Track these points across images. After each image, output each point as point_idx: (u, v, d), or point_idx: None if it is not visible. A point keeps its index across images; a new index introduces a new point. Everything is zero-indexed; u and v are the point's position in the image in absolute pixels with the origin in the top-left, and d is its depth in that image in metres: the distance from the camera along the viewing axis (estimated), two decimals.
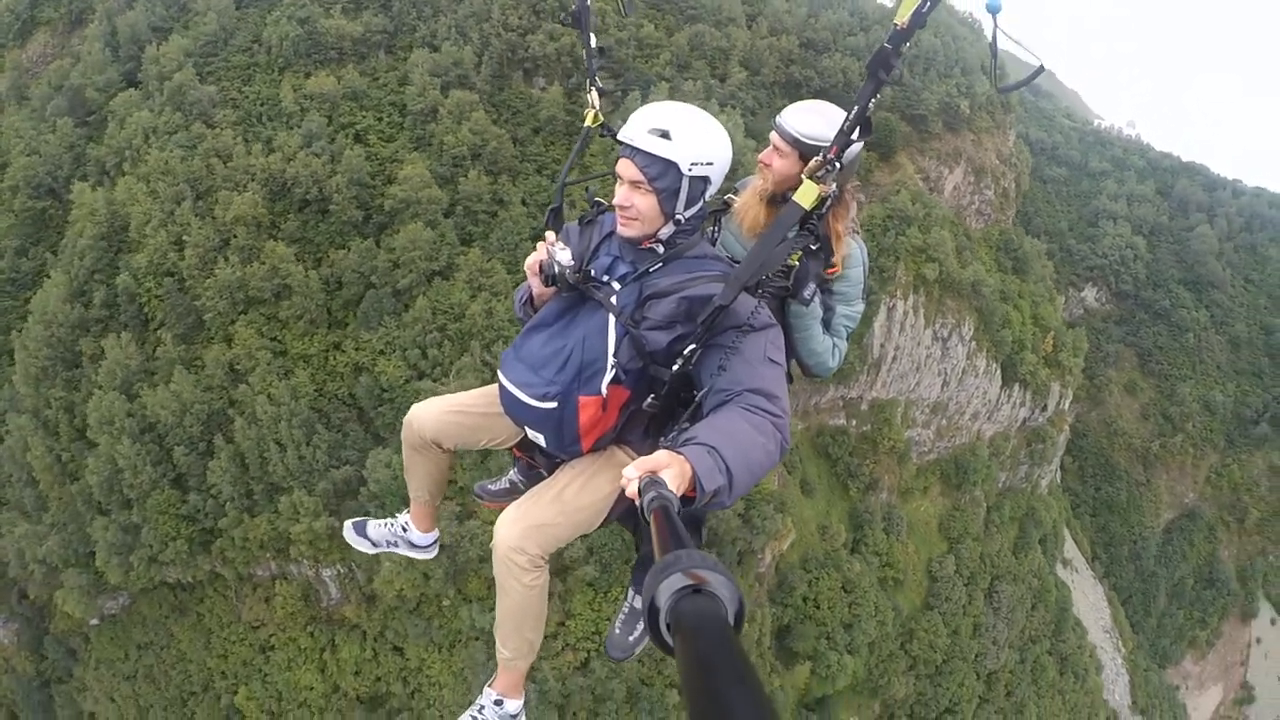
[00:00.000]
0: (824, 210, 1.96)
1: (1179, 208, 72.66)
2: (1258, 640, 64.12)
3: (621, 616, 2.80)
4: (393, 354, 27.61)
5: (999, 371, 47.84)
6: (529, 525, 2.06)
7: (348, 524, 2.95)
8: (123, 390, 29.38)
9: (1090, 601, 57.67)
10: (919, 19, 1.64)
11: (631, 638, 2.72)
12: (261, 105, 33.49)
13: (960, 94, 48.95)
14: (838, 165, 1.91)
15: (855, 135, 1.84)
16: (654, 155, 1.91)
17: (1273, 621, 64.59)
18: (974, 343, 46.51)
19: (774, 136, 2.33)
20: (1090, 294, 69.66)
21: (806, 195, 1.88)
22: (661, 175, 1.92)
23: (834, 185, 1.94)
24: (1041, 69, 1.77)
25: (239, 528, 27.97)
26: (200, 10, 35.60)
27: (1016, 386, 48.55)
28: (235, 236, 29.29)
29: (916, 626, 41.84)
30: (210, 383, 28.57)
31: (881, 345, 43.72)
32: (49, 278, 33.71)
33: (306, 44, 34.30)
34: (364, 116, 33.27)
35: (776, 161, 2.32)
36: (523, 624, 2.21)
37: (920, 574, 43.78)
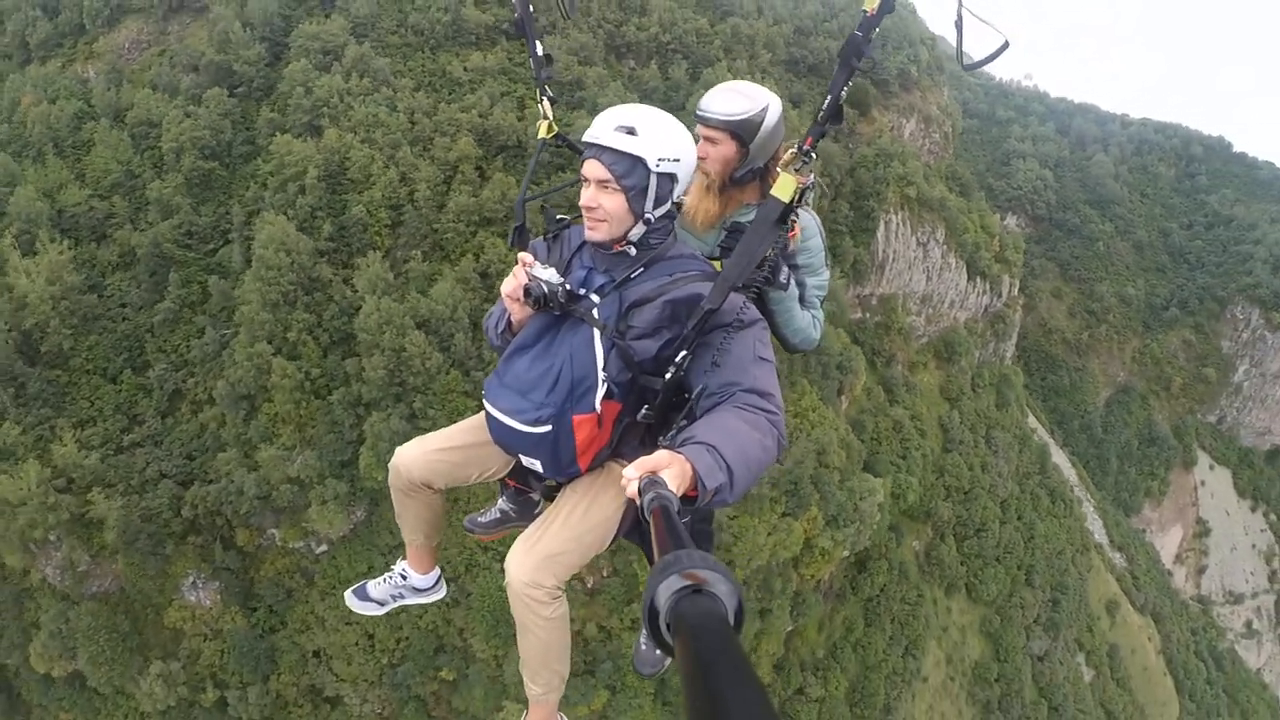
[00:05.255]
0: (802, 201, 2.48)
1: (1077, 142, 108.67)
2: (1202, 483, 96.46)
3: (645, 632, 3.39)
4: None
5: (965, 268, 76.94)
6: (542, 557, 2.53)
7: (348, 593, 3.59)
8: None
9: (1056, 464, 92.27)
10: (888, 5, 2.11)
11: (659, 652, 3.19)
12: (431, 76, 54.80)
13: (910, 61, 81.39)
14: (813, 156, 2.43)
15: (828, 125, 2.35)
16: (621, 152, 2.39)
17: (1211, 466, 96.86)
18: (945, 245, 75.87)
19: (700, 129, 2.95)
20: (1012, 221, 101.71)
21: (785, 189, 2.37)
22: (629, 173, 2.41)
23: (812, 176, 2.41)
24: (1006, 45, 2.34)
25: None
26: None
27: (978, 279, 77.11)
28: (461, 172, 50.75)
29: (944, 464, 70.97)
30: (466, 287, 49.58)
31: (883, 251, 73.58)
32: (267, 220, 50.94)
33: (453, 29, 56.34)
34: (517, 87, 55.28)
35: (711, 150, 2.96)
36: (549, 658, 2.71)
37: (935, 426, 72.83)
